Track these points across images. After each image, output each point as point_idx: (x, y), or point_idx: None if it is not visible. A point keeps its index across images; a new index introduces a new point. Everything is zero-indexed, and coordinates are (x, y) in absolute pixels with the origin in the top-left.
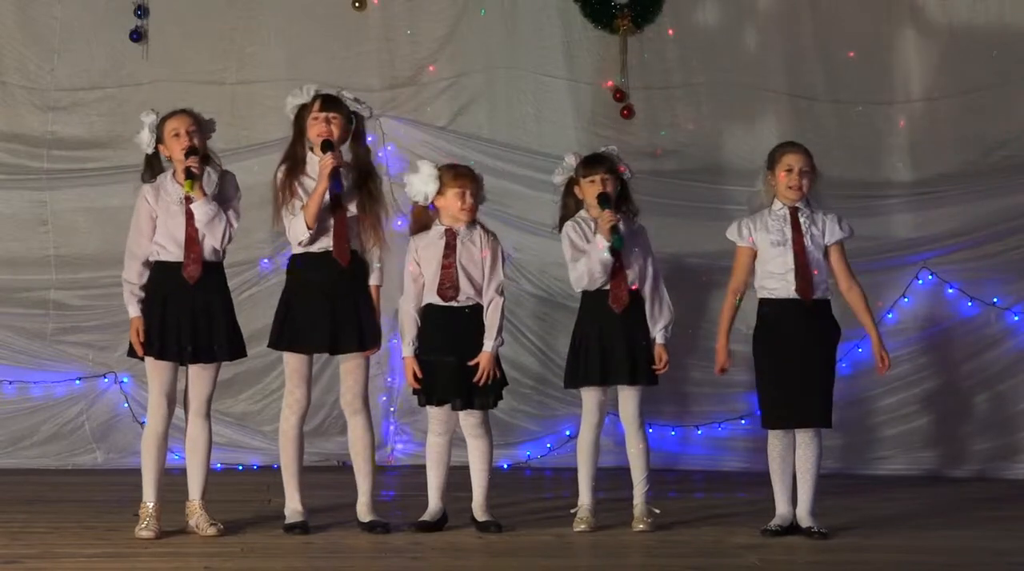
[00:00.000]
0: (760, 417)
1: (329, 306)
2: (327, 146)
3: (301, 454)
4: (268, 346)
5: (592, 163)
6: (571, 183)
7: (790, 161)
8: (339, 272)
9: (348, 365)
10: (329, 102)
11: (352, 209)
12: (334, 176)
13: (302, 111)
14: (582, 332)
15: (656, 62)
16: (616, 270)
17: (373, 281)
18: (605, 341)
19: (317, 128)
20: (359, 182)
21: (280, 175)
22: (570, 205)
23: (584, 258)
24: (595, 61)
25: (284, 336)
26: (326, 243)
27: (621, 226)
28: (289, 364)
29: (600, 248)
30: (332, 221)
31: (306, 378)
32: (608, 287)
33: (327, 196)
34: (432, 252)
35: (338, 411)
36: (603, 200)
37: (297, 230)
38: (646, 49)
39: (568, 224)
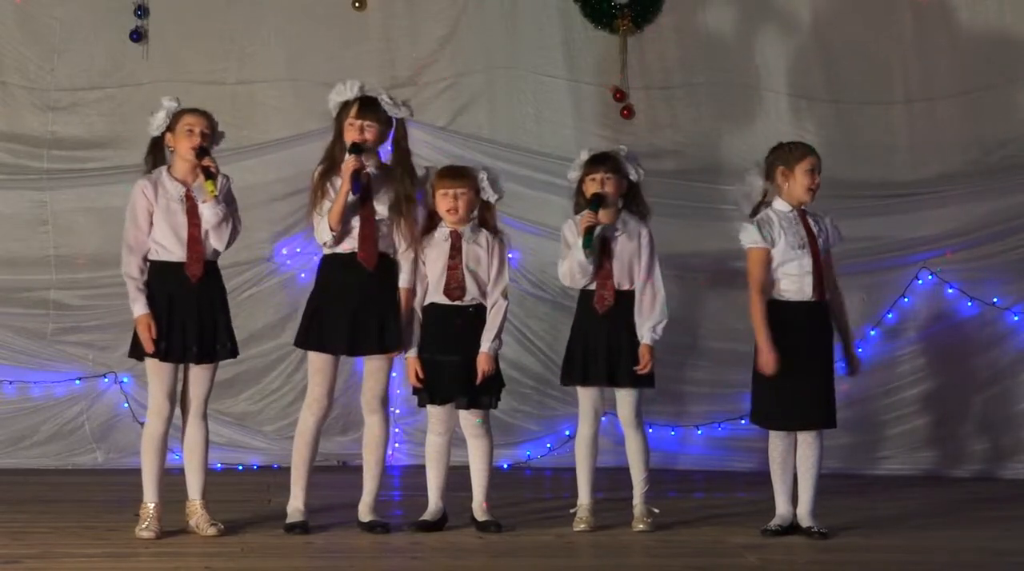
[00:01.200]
0: (752, 415)
1: (353, 307)
2: (355, 149)
3: (314, 456)
4: (294, 345)
5: (594, 162)
6: (582, 180)
7: (813, 162)
8: (366, 274)
9: (371, 366)
10: (365, 108)
11: (382, 211)
12: (354, 178)
13: (343, 110)
14: (574, 331)
15: (656, 62)
16: (600, 271)
17: (402, 283)
18: (588, 342)
19: (351, 134)
20: (393, 184)
21: (316, 175)
22: (580, 203)
23: (569, 255)
24: (595, 61)
25: (311, 336)
26: (352, 245)
27: (600, 229)
28: (313, 364)
29: (578, 248)
30: (358, 224)
31: (329, 378)
32: (594, 287)
33: (353, 198)
34: (437, 253)
35: (339, 411)
36: (595, 200)
37: (321, 231)
38: (646, 49)
39: (568, 220)
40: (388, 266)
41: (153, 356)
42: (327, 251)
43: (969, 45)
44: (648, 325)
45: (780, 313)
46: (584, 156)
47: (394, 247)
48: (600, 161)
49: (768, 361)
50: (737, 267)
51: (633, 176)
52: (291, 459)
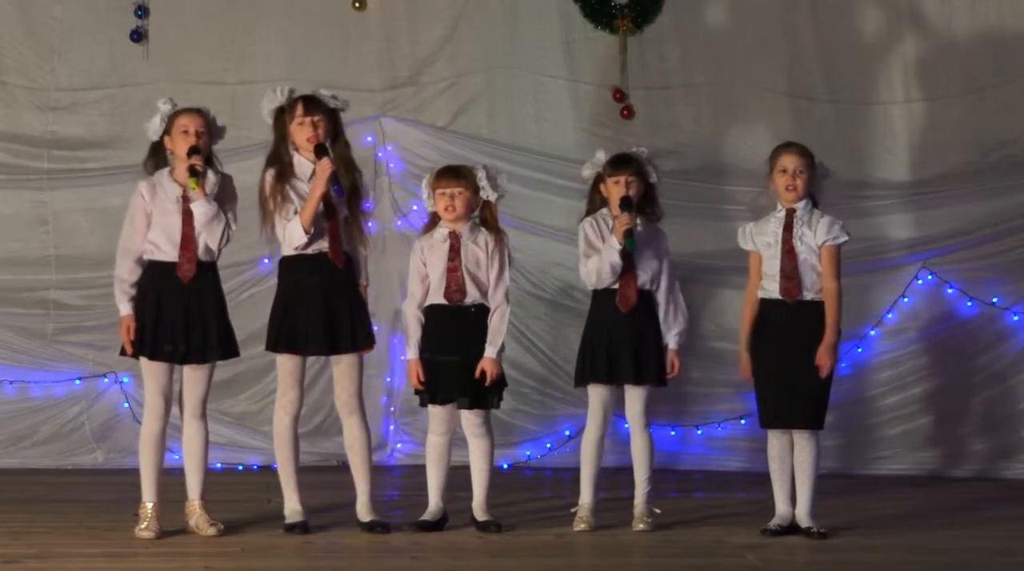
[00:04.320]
0: (758, 416)
1: (325, 308)
2: (322, 150)
3: (297, 454)
4: (266, 349)
5: (619, 164)
6: (599, 179)
7: (784, 162)
8: (335, 273)
9: (342, 366)
10: (311, 104)
11: (343, 210)
12: (334, 180)
13: (281, 114)
14: (591, 331)
15: (656, 62)
16: (626, 271)
17: (361, 280)
18: (613, 340)
19: (304, 133)
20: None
21: (269, 180)
22: (595, 201)
23: (596, 256)
24: (595, 61)
25: (282, 339)
26: (320, 245)
27: (637, 230)
28: (284, 366)
29: (612, 249)
30: (326, 223)
31: (300, 380)
32: (617, 287)
33: (339, 200)
34: (437, 255)
35: (337, 411)
36: (625, 203)
37: (294, 234)
38: (646, 49)
39: (586, 220)
40: (351, 264)
41: (133, 356)
42: (292, 253)
43: (969, 45)
44: (675, 331)
45: (764, 311)
46: (601, 155)
47: (351, 244)
48: (625, 163)
49: (741, 366)
50: (735, 266)
51: (652, 178)
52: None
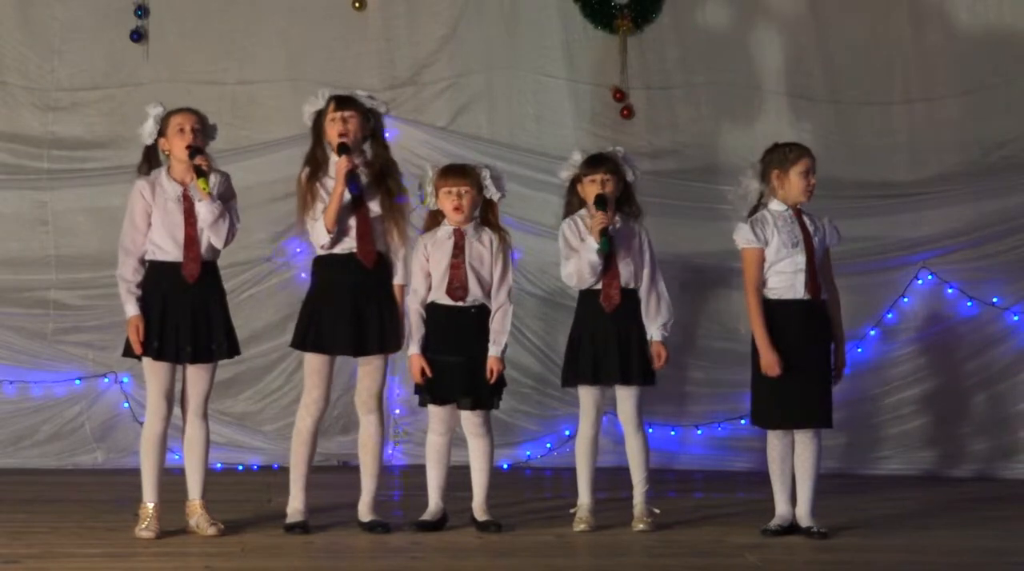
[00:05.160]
0: (752, 416)
1: (353, 308)
2: (343, 149)
3: (312, 455)
4: (291, 346)
5: (594, 163)
6: (576, 181)
7: (809, 164)
8: (364, 273)
9: (368, 366)
10: (343, 101)
11: (376, 208)
12: (350, 178)
13: (319, 116)
14: (577, 331)
15: (656, 62)
16: (608, 270)
17: (397, 280)
18: (597, 340)
19: (335, 129)
20: (380, 180)
21: (303, 179)
22: (574, 202)
23: (575, 257)
24: (595, 61)
25: (308, 337)
26: (350, 245)
27: (611, 229)
28: (310, 364)
29: (590, 249)
30: (355, 222)
31: (326, 379)
32: (600, 286)
33: (347, 198)
34: (441, 252)
35: (339, 411)
36: (599, 201)
37: (318, 233)
38: (646, 49)
39: (566, 221)
40: (383, 264)
41: (143, 356)
42: (323, 252)
43: (969, 45)
44: (658, 324)
45: (774, 312)
46: (577, 156)
47: (387, 245)
48: (600, 162)
49: (770, 363)
50: (736, 267)
51: (629, 177)
52: (289, 460)
